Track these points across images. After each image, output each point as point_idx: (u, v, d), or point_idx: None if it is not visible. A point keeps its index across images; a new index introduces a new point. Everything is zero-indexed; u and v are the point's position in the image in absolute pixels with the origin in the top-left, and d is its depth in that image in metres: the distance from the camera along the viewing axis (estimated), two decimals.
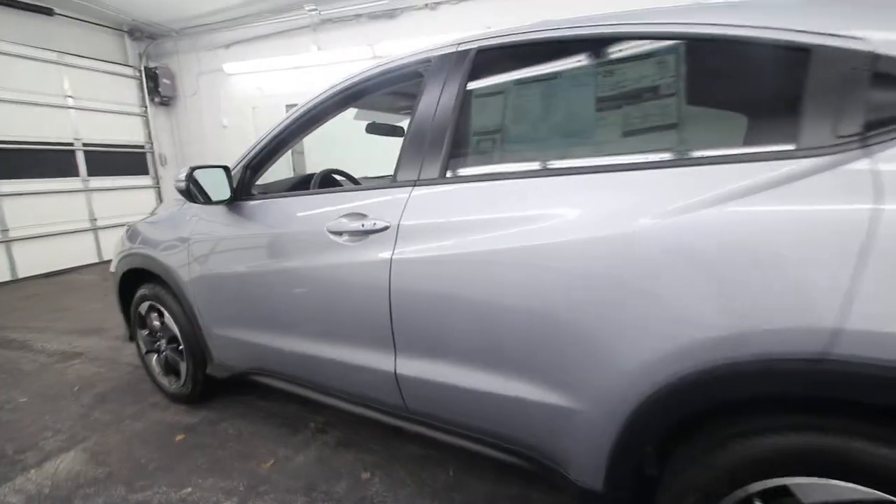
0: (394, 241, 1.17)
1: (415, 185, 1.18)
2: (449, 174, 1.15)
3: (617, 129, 0.98)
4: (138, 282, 2.09)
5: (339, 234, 1.28)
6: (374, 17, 5.40)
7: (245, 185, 1.69)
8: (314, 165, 6.00)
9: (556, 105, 1.08)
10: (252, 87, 6.14)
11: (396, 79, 1.39)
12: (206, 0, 5.21)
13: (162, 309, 1.99)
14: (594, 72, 1.02)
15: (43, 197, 5.07)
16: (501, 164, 1.17)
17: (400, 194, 1.20)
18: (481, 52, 1.16)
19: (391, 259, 1.16)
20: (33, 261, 4.96)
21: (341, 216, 1.29)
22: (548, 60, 1.08)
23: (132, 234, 2.11)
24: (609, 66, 0.98)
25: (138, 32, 5.96)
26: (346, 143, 5.35)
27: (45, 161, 5.10)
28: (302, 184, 2.01)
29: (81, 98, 5.44)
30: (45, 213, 5.05)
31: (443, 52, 1.23)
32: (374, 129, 2.20)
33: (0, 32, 4.70)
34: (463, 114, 1.17)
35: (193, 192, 1.53)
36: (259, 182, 1.78)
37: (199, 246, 1.73)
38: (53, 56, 5.15)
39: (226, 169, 1.61)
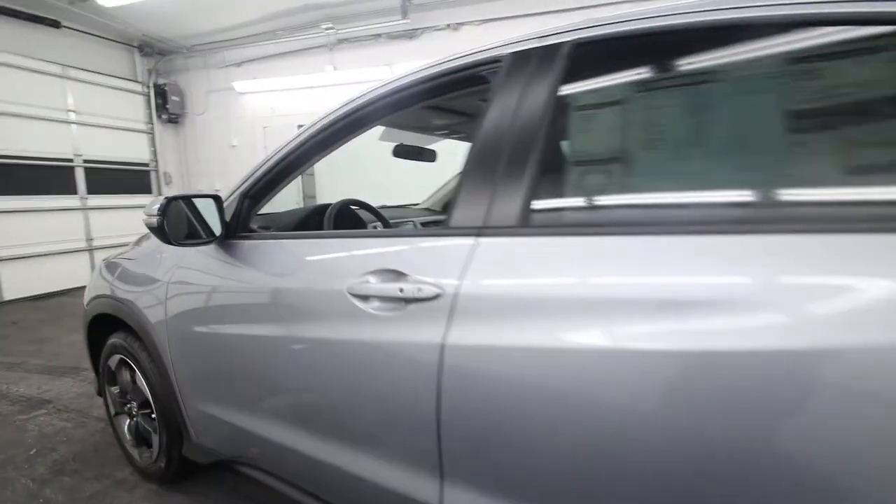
0: (448, 315, 0.79)
1: (480, 234, 0.82)
2: (537, 219, 0.79)
3: (835, 159, 0.61)
4: (111, 327, 1.72)
5: (365, 298, 0.91)
6: (393, 37, 5.19)
7: (241, 219, 1.34)
8: (327, 190, 5.71)
9: (714, 122, 0.71)
10: (263, 107, 5.91)
11: (445, 87, 1.04)
12: (219, 16, 5.02)
13: (134, 367, 1.61)
14: (783, 71, 0.65)
15: (36, 215, 4.77)
16: (626, 209, 0.80)
17: (457, 246, 0.83)
18: (581, 46, 0.80)
19: (443, 345, 0.78)
20: (21, 282, 4.63)
21: (368, 273, 0.92)
22: (695, 54, 0.72)
23: (109, 268, 1.75)
24: (813, 64, 0.62)
25: (148, 48, 5.78)
26: (367, 164, 5.08)
27: (42, 177, 4.83)
28: (313, 218, 1.65)
29: (85, 113, 5.21)
30: (38, 232, 4.75)
31: (519, 49, 0.88)
32: (402, 152, 1.86)
33: (3, 43, 4.49)
34: (555, 133, 0.82)
35: (170, 228, 1.17)
36: (261, 213, 1.42)
37: (180, 297, 1.36)
38: (58, 69, 4.95)
39: (216, 199, 1.26)
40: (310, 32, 5.22)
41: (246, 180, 1.36)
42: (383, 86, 1.12)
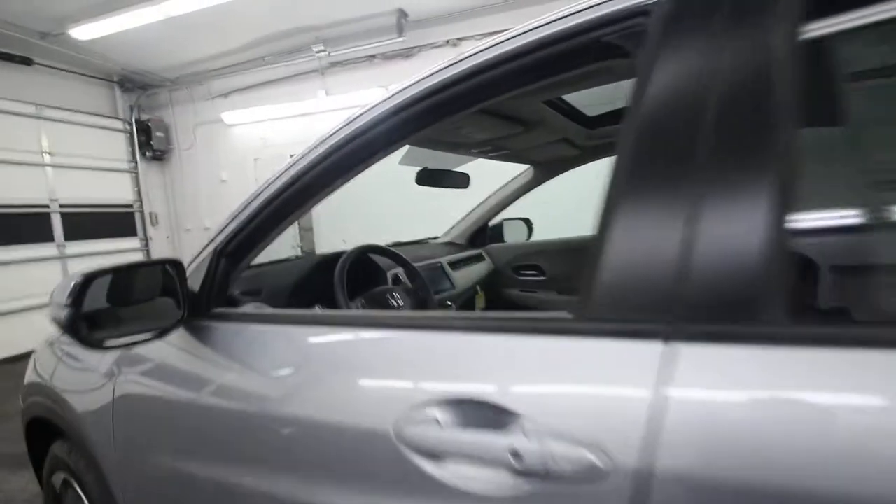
0: None
1: (676, 335, 0.40)
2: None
3: None
4: (53, 431, 1.28)
5: (435, 458, 0.49)
6: (388, 57, 4.89)
7: (216, 288, 0.93)
8: (332, 243, 5.30)
9: None
10: (254, 138, 5.57)
11: (520, 75, 0.65)
12: (204, 44, 4.72)
13: (80, 492, 1.17)
14: None
15: (6, 267, 4.33)
16: None
17: (621, 359, 0.42)
18: None
19: None
20: None
21: (433, 403, 0.50)
22: None
23: (51, 348, 1.33)
24: None
25: (129, 83, 5.46)
26: (383, 199, 4.71)
27: (13, 226, 4.40)
28: (319, 274, 1.24)
29: (61, 154, 4.83)
30: (8, 286, 4.30)
31: None
32: (427, 178, 1.46)
33: None
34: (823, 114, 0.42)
35: (92, 322, 0.76)
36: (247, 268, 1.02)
37: (131, 405, 0.94)
38: (31, 109, 4.59)
39: (173, 265, 0.85)
40: (300, 57, 4.91)
41: (221, 231, 0.96)
42: (416, 83, 0.73)
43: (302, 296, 1.28)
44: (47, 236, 4.69)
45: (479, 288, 2.04)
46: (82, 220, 4.99)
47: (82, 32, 4.09)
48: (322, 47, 4.77)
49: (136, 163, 5.65)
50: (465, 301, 1.93)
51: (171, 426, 0.88)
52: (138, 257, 5.63)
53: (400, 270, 1.58)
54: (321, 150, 0.83)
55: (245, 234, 0.96)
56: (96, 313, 0.86)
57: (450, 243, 2.23)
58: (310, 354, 0.73)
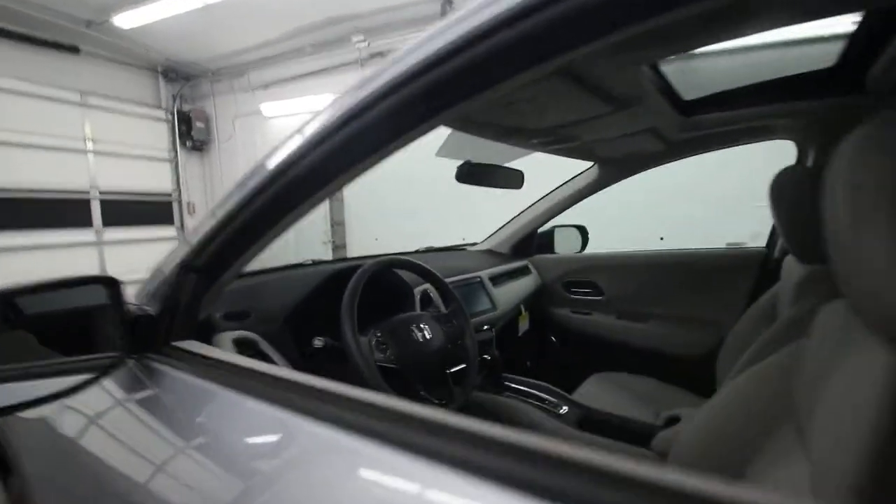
0: None
1: None
2: None
3: None
4: None
5: None
6: None
7: (179, 314, 0.67)
8: (360, 217, 5.11)
9: None
10: (292, 130, 5.44)
11: None
12: (244, 34, 4.61)
13: None
14: None
15: (47, 251, 4.38)
16: None
17: None
18: None
19: None
20: None
21: None
22: None
23: None
24: None
25: (172, 73, 5.46)
26: (414, 182, 4.44)
27: (54, 211, 4.46)
28: (325, 295, 0.97)
29: (103, 142, 4.87)
30: (48, 269, 4.34)
31: None
32: (469, 175, 1.16)
33: (19, 70, 4.20)
34: None
35: None
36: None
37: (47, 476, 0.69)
38: (76, 97, 4.63)
39: (109, 284, 0.60)
40: (340, 48, 4.72)
41: (188, 239, 0.70)
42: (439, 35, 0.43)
43: (304, 322, 1.02)
44: (86, 222, 4.73)
45: (523, 308, 1.72)
46: (121, 207, 5.03)
47: (124, 20, 4.06)
48: (362, 37, 4.56)
49: (177, 153, 5.65)
50: (507, 323, 1.61)
51: None
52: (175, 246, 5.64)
53: (430, 287, 1.29)
54: (316, 133, 0.55)
55: (222, 242, 0.70)
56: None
57: (490, 252, 1.92)
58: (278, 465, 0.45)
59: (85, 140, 4.75)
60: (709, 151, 1.51)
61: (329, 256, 5.14)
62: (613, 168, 1.53)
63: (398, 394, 0.92)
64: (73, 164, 4.64)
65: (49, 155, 4.41)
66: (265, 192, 0.63)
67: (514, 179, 1.27)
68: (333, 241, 5.17)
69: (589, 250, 1.99)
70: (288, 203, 0.64)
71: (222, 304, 0.94)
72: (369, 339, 0.89)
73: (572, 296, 1.87)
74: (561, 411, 1.16)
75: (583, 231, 2.00)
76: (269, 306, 0.96)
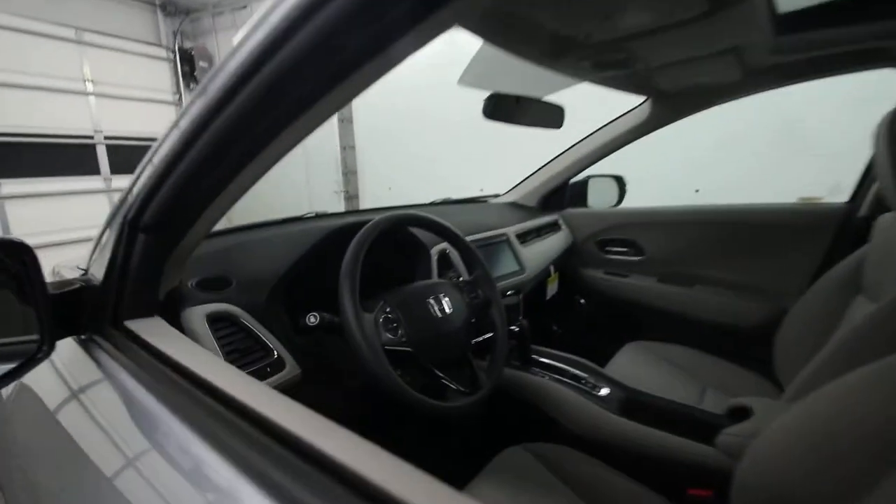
0: None
1: None
2: None
3: None
4: None
5: None
6: None
7: (131, 285, 0.51)
8: (376, 182, 4.86)
9: None
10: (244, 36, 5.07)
11: None
12: None
13: None
14: None
15: (56, 199, 4.29)
16: None
17: None
18: None
19: None
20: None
21: None
22: None
23: None
24: None
25: (171, 6, 5.08)
26: (432, 127, 4.12)
27: (60, 156, 4.31)
28: (331, 252, 0.79)
29: (104, 83, 4.61)
30: (59, 218, 4.27)
31: None
32: (498, 110, 0.93)
33: (10, 4, 3.90)
34: None
35: None
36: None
37: None
38: (71, 33, 4.33)
39: (19, 250, 0.42)
40: None
41: (131, 188, 0.53)
42: None
43: (299, 291, 0.85)
44: (93, 169, 4.59)
45: (552, 269, 1.52)
46: (128, 152, 4.85)
47: None
48: None
49: (181, 94, 5.38)
50: (534, 287, 1.43)
51: None
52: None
53: (448, 247, 1.10)
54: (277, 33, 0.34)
55: (172, 194, 0.52)
56: None
57: (515, 205, 1.70)
58: None
59: (84, 81, 4.50)
60: (793, 83, 1.23)
61: (341, 208, 4.96)
62: (671, 104, 1.27)
63: (413, 382, 0.76)
64: (74, 106, 4.43)
65: (48, 97, 4.20)
66: (214, 127, 0.43)
67: (552, 116, 1.03)
68: (346, 191, 4.97)
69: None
70: (249, 142, 0.44)
71: (196, 270, 0.77)
72: (376, 315, 0.72)
73: (607, 255, 1.66)
74: (601, 393, 1.00)
75: (620, 182, 1.76)
76: (255, 271, 0.79)
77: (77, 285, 0.59)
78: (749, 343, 1.41)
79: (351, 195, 5.00)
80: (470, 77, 0.94)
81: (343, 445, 0.31)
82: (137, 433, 0.41)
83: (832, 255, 1.28)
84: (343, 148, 4.86)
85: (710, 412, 0.93)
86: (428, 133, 4.19)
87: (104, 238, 0.63)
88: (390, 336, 0.71)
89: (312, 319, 0.68)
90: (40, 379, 0.59)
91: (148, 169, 0.54)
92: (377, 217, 0.79)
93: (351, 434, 0.32)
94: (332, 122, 4.83)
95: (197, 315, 0.67)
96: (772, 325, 1.32)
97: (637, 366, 1.26)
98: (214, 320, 0.69)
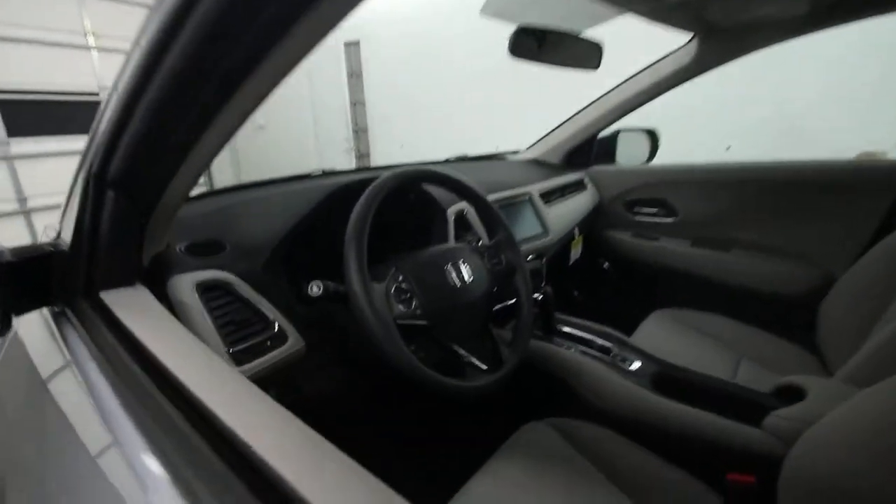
0: None
1: None
2: None
3: None
4: None
5: None
6: None
7: (104, 248, 0.45)
8: (388, 149, 4.67)
9: None
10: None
11: None
12: None
13: None
14: None
15: (65, 158, 4.24)
16: None
17: None
18: None
19: None
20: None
21: None
22: None
23: None
24: None
25: None
26: (449, 80, 3.83)
27: (66, 115, 4.22)
28: (336, 212, 0.69)
29: (106, 37, 4.44)
30: (60, 179, 4.24)
31: None
32: (525, 46, 0.79)
33: None
34: None
35: None
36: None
37: None
38: None
39: None
40: None
41: (97, 130, 0.43)
42: None
43: (299, 256, 0.77)
44: None
45: (577, 231, 1.42)
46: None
47: None
48: None
49: None
50: (558, 251, 1.33)
51: None
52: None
53: (466, 207, 1.00)
54: None
55: (137, 143, 0.43)
56: None
57: (537, 162, 1.58)
58: None
59: (85, 35, 4.33)
60: (863, 19, 1.05)
61: (353, 167, 4.83)
62: (721, 43, 1.10)
63: (427, 358, 0.68)
64: (76, 62, 4.29)
65: (46, 51, 4.06)
66: (173, 59, 0.34)
67: (588, 55, 0.89)
68: (357, 149, 4.82)
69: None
70: (220, 79, 0.35)
71: (187, 232, 0.69)
72: (387, 284, 0.64)
73: (636, 217, 1.54)
74: (631, 367, 0.92)
75: (653, 136, 1.61)
76: (252, 234, 0.70)
77: (45, 250, 0.51)
78: (790, 313, 1.31)
79: (363, 154, 4.85)
80: (493, 6, 0.80)
81: (309, 473, 0.23)
82: (89, 437, 0.34)
83: (891, 220, 1.15)
84: (353, 104, 4.67)
85: (754, 390, 0.84)
86: (442, 88, 3.97)
87: (72, 196, 0.55)
88: (403, 308, 0.63)
89: (315, 289, 0.60)
90: (12, 358, 0.53)
91: (108, 112, 0.44)
92: (387, 173, 0.69)
93: (329, 452, 0.25)
94: (342, 77, 4.62)
95: (185, 283, 0.59)
96: (817, 295, 1.21)
97: (665, 335, 1.17)
98: (206, 289, 0.61)
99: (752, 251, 1.38)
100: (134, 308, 0.47)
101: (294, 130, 5.09)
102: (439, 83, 3.94)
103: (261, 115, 5.45)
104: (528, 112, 3.00)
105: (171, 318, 0.47)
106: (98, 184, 0.49)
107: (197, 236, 0.68)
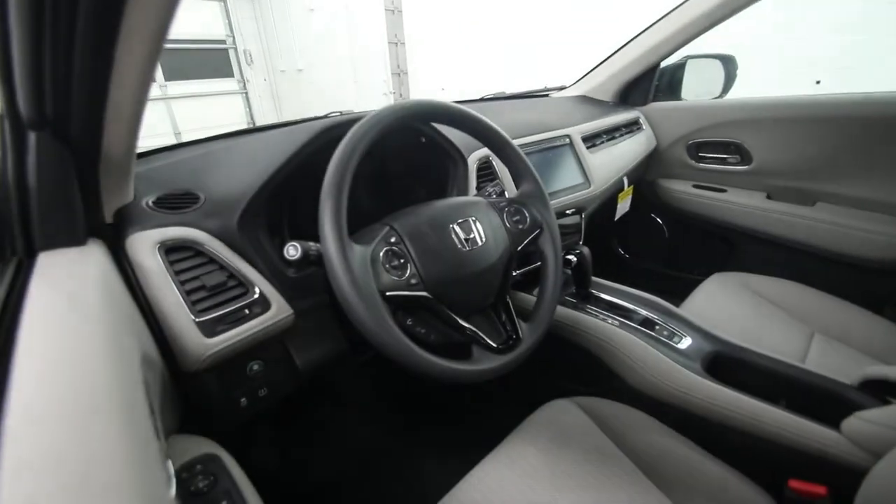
0: None
1: None
2: None
3: None
4: None
5: None
6: None
7: (42, 206, 0.45)
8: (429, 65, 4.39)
9: None
10: None
11: None
12: None
13: None
14: None
15: (205, 99, 4.91)
16: None
17: None
18: None
19: None
20: None
21: None
22: None
23: None
24: None
25: None
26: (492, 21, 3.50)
27: (202, 60, 4.84)
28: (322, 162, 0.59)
29: None
30: (207, 116, 4.84)
31: None
32: None
33: None
34: None
35: None
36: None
37: None
38: None
39: None
40: None
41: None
42: None
43: (282, 208, 0.67)
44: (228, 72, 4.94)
45: (626, 181, 1.22)
46: (177, 57, 4.77)
47: None
48: None
49: None
50: (602, 204, 1.16)
51: None
52: (240, 101, 5.42)
53: (492, 156, 0.85)
54: None
55: (33, 57, 0.32)
56: None
57: (585, 98, 1.36)
58: None
59: None
60: None
61: None
62: None
63: (426, 335, 0.58)
64: (205, 13, 4.56)
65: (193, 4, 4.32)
66: None
67: None
68: (395, 93, 4.61)
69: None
70: None
71: (158, 183, 0.61)
72: (375, 247, 0.53)
73: (701, 163, 1.31)
74: (680, 344, 0.78)
75: (729, 64, 1.33)
76: (228, 184, 0.61)
77: None
78: (880, 282, 1.09)
79: (403, 97, 4.64)
80: None
81: None
82: None
83: None
84: (392, 44, 4.40)
85: (833, 380, 0.68)
86: (487, 24, 3.62)
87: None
88: (394, 277, 0.52)
89: (293, 251, 0.50)
90: None
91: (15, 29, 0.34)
92: (388, 107, 0.56)
93: None
94: (380, 14, 4.33)
95: (144, 243, 0.51)
96: None
97: (723, 302, 1.00)
98: (172, 250, 0.53)
99: (840, 207, 1.14)
100: (57, 275, 0.40)
101: (333, 73, 4.92)
102: (485, 19, 3.59)
103: (300, 58, 5.31)
104: (581, 50, 2.67)
105: (109, 289, 0.40)
106: (14, 123, 0.40)
107: (171, 187, 0.59)
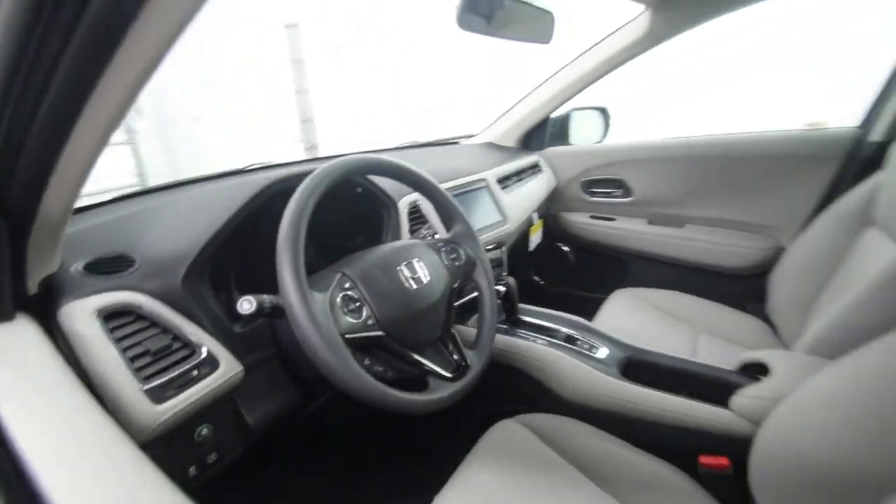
0: None
1: None
2: None
3: None
4: None
5: None
6: None
7: None
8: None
9: None
10: None
11: None
12: None
13: None
14: None
15: None
16: None
17: None
18: None
19: None
20: None
21: None
22: None
23: None
24: None
25: None
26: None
27: None
28: (273, 214, 0.60)
29: None
30: None
31: None
32: (473, 15, 0.72)
33: None
34: None
35: None
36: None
37: None
38: None
39: None
40: None
41: None
42: None
43: (227, 265, 0.67)
44: None
45: (535, 216, 1.38)
46: None
47: None
48: None
49: None
50: (518, 238, 1.29)
51: None
52: (125, 155, 4.96)
53: (420, 198, 0.92)
54: None
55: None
56: None
57: (491, 146, 1.52)
58: None
59: None
60: None
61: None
62: (674, 13, 1.08)
63: (384, 373, 0.61)
64: None
65: None
66: None
67: (540, 26, 0.83)
68: (304, 142, 4.59)
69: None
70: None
71: (86, 247, 0.58)
72: (331, 293, 0.56)
73: (594, 197, 1.53)
74: (598, 354, 0.89)
75: (604, 114, 1.59)
76: (167, 244, 0.60)
77: None
78: (744, 285, 1.34)
79: (313, 145, 4.63)
80: None
81: None
82: None
83: (837, 187, 1.18)
84: (300, 93, 4.42)
85: (719, 368, 0.83)
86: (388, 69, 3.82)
87: None
88: (352, 320, 0.55)
89: (247, 305, 0.51)
90: None
91: None
92: (329, 163, 0.61)
93: None
94: (286, 63, 4.36)
95: (80, 312, 0.49)
96: (768, 266, 1.24)
97: (626, 315, 1.16)
98: (110, 316, 0.51)
99: (705, 226, 1.39)
100: None
101: (234, 121, 4.78)
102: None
103: (196, 105, 5.06)
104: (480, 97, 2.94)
105: (51, 365, 0.38)
106: None
107: (100, 251, 0.57)
